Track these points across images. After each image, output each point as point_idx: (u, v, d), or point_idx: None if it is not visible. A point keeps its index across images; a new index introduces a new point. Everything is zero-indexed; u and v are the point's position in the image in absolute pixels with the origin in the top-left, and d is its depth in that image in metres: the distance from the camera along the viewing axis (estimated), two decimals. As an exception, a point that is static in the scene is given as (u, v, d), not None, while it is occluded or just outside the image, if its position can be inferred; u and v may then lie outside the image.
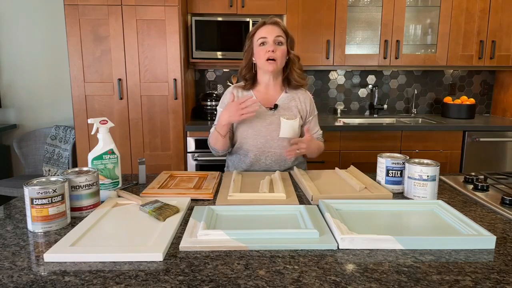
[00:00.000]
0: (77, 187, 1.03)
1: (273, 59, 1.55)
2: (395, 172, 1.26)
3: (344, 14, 2.90)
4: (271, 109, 1.63)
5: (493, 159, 2.82)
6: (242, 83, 1.69)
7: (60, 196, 0.96)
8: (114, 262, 0.79)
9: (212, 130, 1.66)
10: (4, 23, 3.13)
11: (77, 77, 2.60)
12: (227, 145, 1.63)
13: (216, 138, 1.58)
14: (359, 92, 3.39)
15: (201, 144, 2.71)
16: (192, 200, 1.18)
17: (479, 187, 1.28)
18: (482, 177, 1.39)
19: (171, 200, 1.13)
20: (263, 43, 1.56)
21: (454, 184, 1.36)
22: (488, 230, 0.91)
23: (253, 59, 1.62)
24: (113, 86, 2.62)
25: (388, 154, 1.32)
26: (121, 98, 2.63)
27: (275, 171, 1.63)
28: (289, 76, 1.65)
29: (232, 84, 3.21)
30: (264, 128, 1.61)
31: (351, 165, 1.53)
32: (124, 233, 0.92)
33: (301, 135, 1.69)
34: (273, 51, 1.54)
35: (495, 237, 0.86)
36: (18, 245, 0.88)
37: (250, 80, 1.66)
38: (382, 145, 2.74)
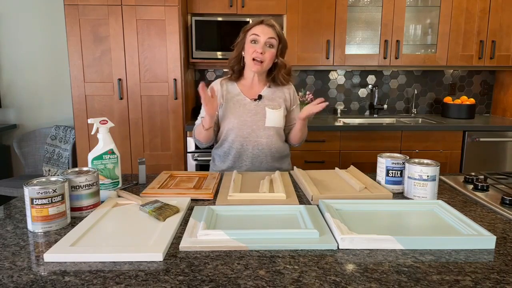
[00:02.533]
0: (77, 187, 1.03)
1: (259, 60, 1.58)
2: (395, 172, 1.26)
3: (344, 14, 2.90)
4: (255, 100, 1.66)
5: (493, 159, 2.82)
6: (228, 76, 1.73)
7: (60, 196, 0.96)
8: (114, 262, 0.79)
9: (197, 121, 1.70)
10: (4, 23, 3.13)
11: (77, 77, 2.60)
12: (210, 138, 1.66)
13: (199, 130, 1.62)
14: (359, 92, 3.39)
15: (201, 144, 2.71)
16: (192, 200, 1.18)
17: (479, 187, 1.28)
18: (482, 177, 1.39)
19: (171, 200, 1.13)
20: (254, 41, 1.59)
21: (454, 184, 1.36)
22: (488, 230, 0.91)
23: (243, 52, 1.65)
24: (113, 86, 2.62)
25: (388, 154, 1.32)
26: (121, 98, 2.63)
27: (261, 162, 1.66)
28: (275, 77, 1.69)
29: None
30: (250, 118, 1.64)
31: (351, 165, 1.53)
32: (124, 233, 0.92)
33: (290, 124, 1.74)
34: (261, 52, 1.57)
35: (495, 237, 0.86)
36: (18, 245, 0.88)
37: (237, 72, 1.70)
38: (382, 145, 2.75)
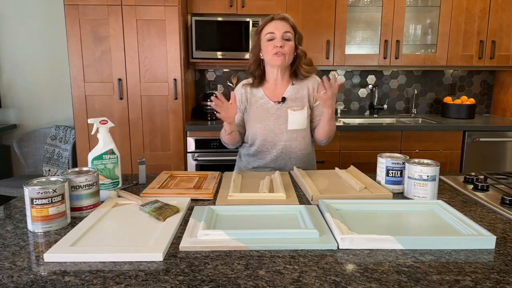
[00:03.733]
0: (77, 187, 1.03)
1: (281, 54, 1.55)
2: (395, 172, 1.26)
3: (344, 14, 2.90)
4: (279, 102, 1.64)
5: (493, 159, 2.82)
6: (250, 80, 1.70)
7: (60, 196, 0.96)
8: (114, 262, 0.79)
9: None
10: (4, 23, 3.13)
11: (77, 77, 2.60)
12: (236, 141, 1.66)
13: (223, 134, 1.62)
14: (359, 92, 3.39)
15: (201, 144, 2.71)
16: (192, 200, 1.18)
17: (479, 187, 1.28)
18: (482, 177, 1.39)
19: (171, 200, 1.13)
20: (271, 39, 1.56)
21: (454, 184, 1.36)
22: (488, 230, 0.91)
23: (261, 54, 1.62)
24: (113, 86, 2.62)
25: (388, 154, 1.32)
26: (121, 98, 2.63)
27: (286, 164, 1.64)
28: (296, 71, 1.65)
29: (232, 84, 3.22)
30: (273, 122, 1.63)
31: (351, 165, 1.53)
32: (124, 233, 0.92)
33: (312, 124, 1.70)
34: (281, 46, 1.54)
35: (495, 237, 0.86)
36: (18, 245, 0.88)
37: (258, 77, 1.67)
38: (382, 145, 2.75)
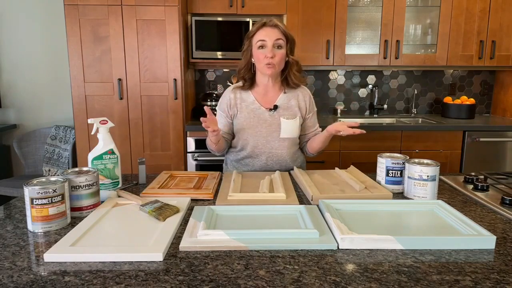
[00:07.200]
0: (77, 187, 1.03)
1: (272, 64, 1.53)
2: (395, 172, 1.26)
3: (344, 14, 2.89)
4: (270, 110, 1.62)
5: (493, 159, 2.82)
6: (240, 84, 1.68)
7: (60, 196, 0.96)
8: (114, 262, 0.79)
9: None
10: (4, 23, 3.13)
11: (77, 77, 2.60)
12: (222, 148, 1.64)
13: (210, 143, 1.59)
14: (359, 92, 3.38)
15: (201, 144, 2.71)
16: (192, 200, 1.18)
17: (479, 187, 1.28)
18: (482, 177, 1.39)
19: (171, 200, 1.13)
20: (262, 46, 1.53)
21: (454, 184, 1.36)
22: (488, 230, 0.91)
23: (252, 59, 1.60)
24: (113, 86, 2.62)
25: (388, 154, 1.32)
26: (121, 98, 2.63)
27: (275, 171, 1.63)
28: (287, 78, 1.63)
29: (232, 84, 3.21)
30: (265, 129, 1.61)
31: (351, 165, 1.53)
32: (124, 233, 0.92)
33: (303, 133, 1.71)
34: (272, 57, 1.51)
35: (495, 237, 0.86)
36: (18, 245, 0.88)
37: (249, 80, 1.65)
38: (382, 145, 2.74)
